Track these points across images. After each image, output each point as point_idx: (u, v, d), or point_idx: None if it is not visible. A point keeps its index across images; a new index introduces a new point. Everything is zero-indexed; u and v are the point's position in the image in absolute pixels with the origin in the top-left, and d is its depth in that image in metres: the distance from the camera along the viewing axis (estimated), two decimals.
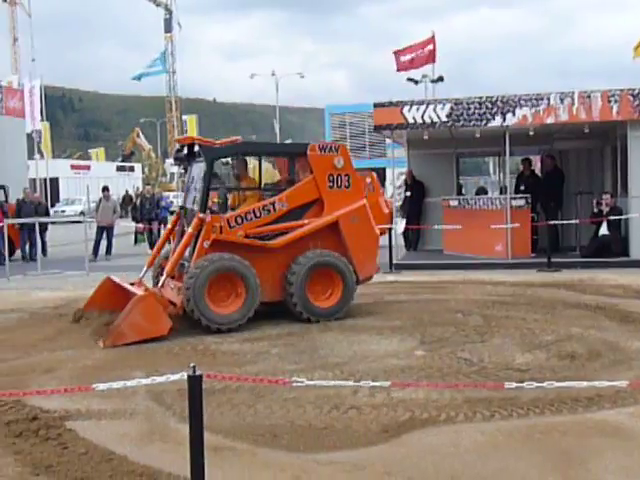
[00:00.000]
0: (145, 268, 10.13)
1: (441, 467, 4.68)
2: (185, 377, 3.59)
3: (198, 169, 9.69)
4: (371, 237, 9.86)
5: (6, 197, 20.72)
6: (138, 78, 66.08)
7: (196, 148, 9.45)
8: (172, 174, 60.09)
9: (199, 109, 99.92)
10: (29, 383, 6.89)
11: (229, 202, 9.96)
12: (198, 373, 3.57)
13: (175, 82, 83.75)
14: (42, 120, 49.05)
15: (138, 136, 63.17)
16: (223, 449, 4.95)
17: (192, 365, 3.59)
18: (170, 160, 60.13)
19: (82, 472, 4.74)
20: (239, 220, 9.05)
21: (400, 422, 5.56)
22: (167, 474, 4.64)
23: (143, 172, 72.22)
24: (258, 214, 9.17)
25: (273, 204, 9.26)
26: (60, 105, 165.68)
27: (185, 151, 9.84)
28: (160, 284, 9.19)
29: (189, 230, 9.15)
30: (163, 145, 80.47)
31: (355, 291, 9.67)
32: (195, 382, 3.56)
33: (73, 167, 62.89)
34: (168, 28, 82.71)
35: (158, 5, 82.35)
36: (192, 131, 69.52)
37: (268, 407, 5.97)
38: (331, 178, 9.49)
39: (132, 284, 9.66)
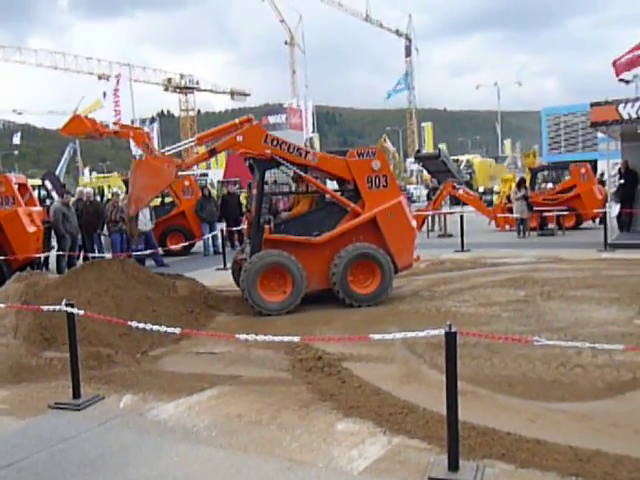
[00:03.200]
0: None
1: None
2: (442, 332, 3.55)
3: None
4: (407, 230, 8.94)
5: None
6: (388, 97, 67.27)
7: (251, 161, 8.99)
8: (412, 171, 60.32)
9: (432, 117, 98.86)
10: (313, 331, 7.30)
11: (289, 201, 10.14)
12: (453, 330, 3.51)
13: (414, 96, 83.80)
14: (313, 132, 51.56)
15: (385, 141, 63.97)
16: (467, 393, 4.85)
17: (449, 323, 3.54)
18: (410, 159, 60.29)
19: (357, 401, 4.92)
20: (275, 142, 8.38)
21: (623, 381, 5.10)
22: (423, 409, 4.66)
23: None
24: (291, 150, 8.48)
25: (307, 152, 8.63)
26: (326, 120, 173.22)
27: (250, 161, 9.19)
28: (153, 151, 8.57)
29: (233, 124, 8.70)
30: (404, 148, 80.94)
31: (393, 279, 8.83)
32: (451, 337, 3.51)
33: None
34: (408, 53, 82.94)
35: (400, 35, 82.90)
36: (429, 136, 69.19)
37: (502, 361, 5.77)
38: (370, 179, 8.71)
39: None
